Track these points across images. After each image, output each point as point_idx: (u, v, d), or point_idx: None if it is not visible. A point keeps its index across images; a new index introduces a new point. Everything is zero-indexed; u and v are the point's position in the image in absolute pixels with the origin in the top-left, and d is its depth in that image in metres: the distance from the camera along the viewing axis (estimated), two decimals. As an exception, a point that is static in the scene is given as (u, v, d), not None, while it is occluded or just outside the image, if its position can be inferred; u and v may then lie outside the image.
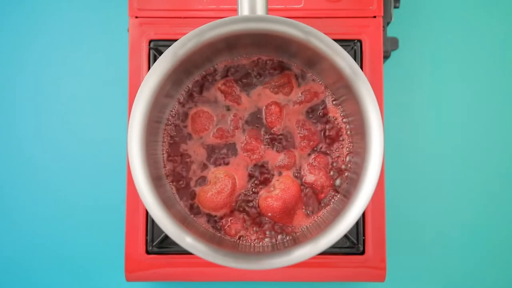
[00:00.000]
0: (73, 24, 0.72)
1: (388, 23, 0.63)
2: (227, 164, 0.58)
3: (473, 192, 0.71)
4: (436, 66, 0.72)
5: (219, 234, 0.57)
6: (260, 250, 0.55)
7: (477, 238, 0.70)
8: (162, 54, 0.50)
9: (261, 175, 0.58)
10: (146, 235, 0.61)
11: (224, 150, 0.58)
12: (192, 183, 0.58)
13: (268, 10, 0.53)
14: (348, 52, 0.56)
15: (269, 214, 0.57)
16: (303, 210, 0.58)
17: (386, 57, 0.64)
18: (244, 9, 0.52)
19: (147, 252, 0.61)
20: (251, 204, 0.58)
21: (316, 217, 0.58)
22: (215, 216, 0.58)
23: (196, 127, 0.59)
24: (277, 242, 0.57)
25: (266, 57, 0.59)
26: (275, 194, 0.57)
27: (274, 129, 0.59)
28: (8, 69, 0.72)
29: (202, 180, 0.58)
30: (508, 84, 0.72)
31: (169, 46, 0.50)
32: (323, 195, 0.58)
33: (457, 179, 0.71)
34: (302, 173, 0.58)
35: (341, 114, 0.58)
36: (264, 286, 0.69)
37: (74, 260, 0.70)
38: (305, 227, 0.57)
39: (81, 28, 0.72)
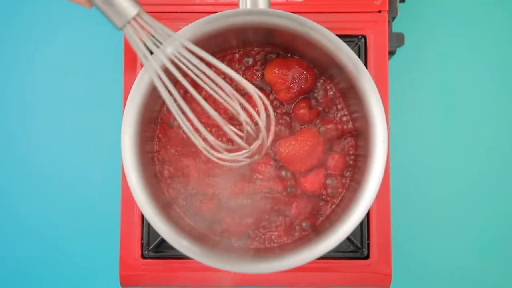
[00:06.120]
0: (69, 19, 0.71)
1: (393, 18, 0.63)
2: None
3: (483, 194, 0.70)
4: (443, 62, 0.71)
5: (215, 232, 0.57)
6: (256, 250, 0.54)
7: (486, 243, 0.69)
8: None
9: None
10: (142, 239, 0.60)
11: None
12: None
13: (270, 5, 0.53)
14: (352, 48, 0.57)
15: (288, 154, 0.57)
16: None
17: (391, 53, 0.63)
18: (246, 3, 0.52)
19: (143, 257, 0.60)
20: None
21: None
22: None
23: None
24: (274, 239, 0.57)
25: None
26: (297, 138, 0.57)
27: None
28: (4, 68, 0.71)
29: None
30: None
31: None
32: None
33: (466, 180, 0.70)
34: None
35: (345, 112, 0.59)
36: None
37: (68, 264, 0.69)
38: (307, 226, 0.57)
39: (76, 23, 0.71)
